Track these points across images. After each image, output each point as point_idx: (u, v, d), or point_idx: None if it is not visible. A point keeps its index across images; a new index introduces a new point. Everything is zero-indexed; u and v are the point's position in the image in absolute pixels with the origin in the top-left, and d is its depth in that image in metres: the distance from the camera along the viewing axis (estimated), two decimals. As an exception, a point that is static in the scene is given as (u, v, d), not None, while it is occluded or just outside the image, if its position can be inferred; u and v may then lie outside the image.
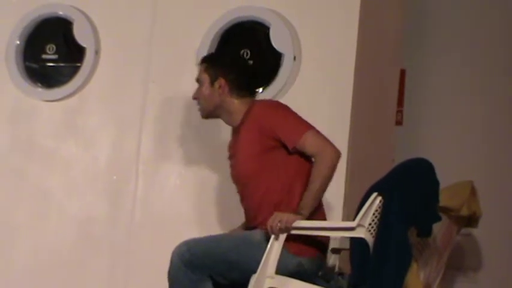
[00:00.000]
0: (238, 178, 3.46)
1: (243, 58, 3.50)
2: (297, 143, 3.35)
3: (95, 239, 4.34)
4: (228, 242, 3.37)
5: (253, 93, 3.51)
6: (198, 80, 3.52)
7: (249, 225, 3.49)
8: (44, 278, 4.35)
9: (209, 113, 3.50)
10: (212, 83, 3.46)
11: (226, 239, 3.41)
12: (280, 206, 3.35)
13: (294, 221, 3.27)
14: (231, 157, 3.51)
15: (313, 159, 3.38)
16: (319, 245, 3.40)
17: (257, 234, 3.37)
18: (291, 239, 3.31)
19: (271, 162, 3.37)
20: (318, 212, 3.40)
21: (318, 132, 3.39)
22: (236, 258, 3.32)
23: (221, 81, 3.45)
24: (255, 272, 3.29)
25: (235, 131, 3.49)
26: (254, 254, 3.30)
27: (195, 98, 3.52)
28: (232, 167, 3.49)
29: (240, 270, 3.32)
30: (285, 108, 3.45)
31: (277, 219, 3.27)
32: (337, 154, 3.36)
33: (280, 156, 3.38)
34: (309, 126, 3.39)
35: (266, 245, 3.30)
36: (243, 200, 3.48)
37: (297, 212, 3.31)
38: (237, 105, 3.44)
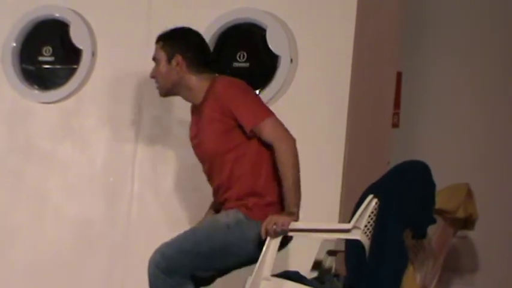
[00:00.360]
0: (205, 156, 3.43)
1: (199, 34, 3.45)
2: (254, 126, 3.32)
3: (92, 239, 4.34)
4: (197, 236, 3.34)
5: (211, 68, 3.46)
6: (154, 59, 3.49)
7: (218, 202, 3.45)
8: (42, 279, 4.36)
9: (167, 91, 3.47)
10: (169, 60, 3.43)
11: (195, 233, 3.37)
12: (248, 177, 3.32)
13: (289, 223, 3.27)
14: (194, 136, 3.47)
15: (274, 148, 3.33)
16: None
17: (221, 217, 3.35)
18: (254, 206, 3.30)
19: (236, 140, 3.35)
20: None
21: (277, 119, 3.36)
22: (209, 248, 3.30)
23: (178, 58, 3.42)
24: (232, 254, 3.29)
25: (197, 109, 3.45)
26: (224, 238, 3.30)
27: (152, 76, 3.49)
28: (197, 146, 3.45)
29: (217, 258, 3.32)
30: (247, 90, 3.41)
31: (272, 222, 3.26)
32: (295, 141, 3.35)
33: (244, 135, 3.36)
34: (268, 113, 3.37)
35: (232, 223, 3.29)
36: (211, 178, 3.44)
37: (288, 212, 3.30)
38: (195, 81, 3.41)
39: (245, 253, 3.33)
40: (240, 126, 3.35)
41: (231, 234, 3.30)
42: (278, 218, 3.27)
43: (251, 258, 3.33)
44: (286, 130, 3.36)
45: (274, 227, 3.25)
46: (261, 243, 3.29)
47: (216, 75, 3.47)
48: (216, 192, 3.46)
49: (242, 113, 3.33)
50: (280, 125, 3.36)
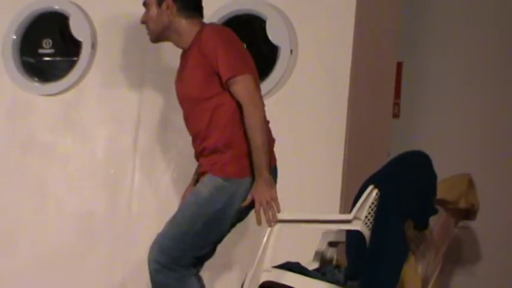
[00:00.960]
0: (185, 102, 3.41)
1: None
2: (231, 77, 3.30)
3: (93, 232, 4.34)
4: (187, 217, 3.32)
5: (201, 13, 3.45)
6: (144, 4, 3.49)
7: (196, 151, 3.42)
8: (44, 272, 4.36)
9: (158, 35, 3.46)
10: (159, 4, 3.42)
11: (184, 215, 3.34)
12: (226, 127, 3.31)
13: (274, 193, 3.25)
14: (178, 81, 3.46)
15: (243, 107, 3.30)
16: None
17: (201, 189, 3.33)
18: (230, 161, 3.29)
19: (217, 89, 3.33)
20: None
21: (253, 80, 3.32)
22: (203, 224, 3.29)
23: (168, 1, 3.41)
24: (224, 219, 3.28)
25: (185, 54, 3.44)
26: (212, 208, 3.29)
27: (143, 22, 3.48)
28: (179, 91, 3.44)
29: (212, 230, 3.31)
30: (232, 41, 3.39)
31: (263, 202, 3.25)
32: (263, 106, 3.33)
33: (223, 85, 3.34)
34: (247, 70, 3.34)
35: (214, 191, 3.28)
36: (190, 125, 3.42)
37: (264, 180, 3.26)
38: (185, 25, 3.40)
39: (235, 212, 3.33)
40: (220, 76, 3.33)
41: (216, 201, 3.29)
42: (261, 198, 3.24)
43: (242, 213, 3.34)
44: (258, 93, 3.33)
45: (268, 206, 3.24)
46: (246, 195, 3.28)
47: (205, 22, 3.45)
48: (194, 140, 3.43)
49: (221, 62, 3.30)
50: (254, 87, 3.32)
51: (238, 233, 3.53)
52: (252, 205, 3.33)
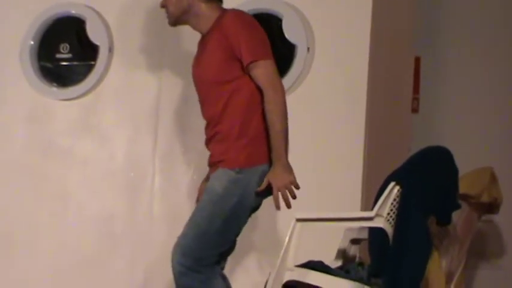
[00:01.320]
0: (203, 84, 3.39)
1: None
2: (253, 61, 3.28)
3: (114, 235, 4.35)
4: (205, 217, 3.28)
5: None
6: None
7: (208, 137, 3.39)
8: (65, 276, 4.37)
9: (177, 19, 3.45)
10: None
11: (202, 215, 3.31)
12: (241, 113, 3.28)
13: (293, 178, 3.22)
14: (196, 65, 3.45)
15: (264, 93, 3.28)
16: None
17: (215, 185, 3.30)
18: (241, 150, 3.26)
19: (236, 73, 3.31)
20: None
21: (274, 66, 3.32)
22: (222, 221, 3.27)
23: None
24: (241, 212, 3.25)
25: (203, 39, 3.43)
26: (229, 203, 3.26)
27: (162, 5, 3.47)
28: (197, 74, 3.42)
29: (232, 224, 3.29)
30: (254, 26, 3.37)
31: (282, 188, 3.22)
32: (284, 92, 3.32)
33: (242, 69, 3.32)
34: (269, 55, 3.33)
35: (228, 185, 3.25)
36: (205, 107, 3.39)
37: (283, 165, 3.23)
38: (204, 9, 3.40)
39: (252, 201, 3.31)
40: (241, 62, 3.32)
41: (231, 196, 3.27)
42: (281, 185, 3.21)
43: (259, 200, 3.32)
44: (279, 79, 3.33)
45: (288, 192, 3.21)
46: (261, 183, 3.25)
47: (224, 7, 3.44)
48: (207, 126, 3.40)
49: (244, 46, 3.29)
50: (275, 72, 3.32)
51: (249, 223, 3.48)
52: (269, 191, 3.28)
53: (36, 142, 4.52)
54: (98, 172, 4.41)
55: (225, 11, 3.42)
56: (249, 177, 3.28)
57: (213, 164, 3.39)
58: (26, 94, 4.54)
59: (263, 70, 3.29)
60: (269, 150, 3.29)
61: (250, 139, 3.31)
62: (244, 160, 3.29)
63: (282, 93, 3.31)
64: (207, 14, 3.40)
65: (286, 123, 3.29)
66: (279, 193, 3.24)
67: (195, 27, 3.46)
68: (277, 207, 3.25)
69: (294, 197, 3.25)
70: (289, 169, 3.26)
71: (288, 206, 3.25)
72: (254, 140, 3.31)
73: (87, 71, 4.46)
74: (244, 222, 3.34)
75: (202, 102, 3.42)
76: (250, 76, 3.31)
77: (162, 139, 4.34)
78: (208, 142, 3.42)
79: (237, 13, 3.42)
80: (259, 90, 3.32)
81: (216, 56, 3.34)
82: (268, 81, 3.29)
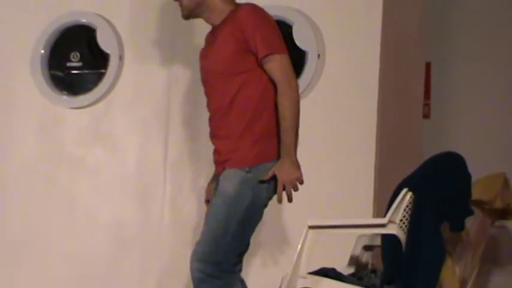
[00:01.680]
0: (210, 74, 3.35)
1: None
2: (268, 54, 3.26)
3: (125, 243, 4.35)
4: (220, 220, 3.26)
5: None
6: None
7: (212, 130, 3.37)
8: (76, 283, 4.37)
9: (190, 12, 3.43)
10: None
11: (215, 218, 3.28)
12: (249, 108, 3.25)
13: (300, 175, 3.20)
14: (205, 56, 3.42)
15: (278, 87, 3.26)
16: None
17: (225, 186, 3.27)
18: (249, 148, 3.22)
19: (248, 66, 3.29)
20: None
21: (289, 60, 3.30)
22: (237, 222, 3.24)
23: None
24: (255, 211, 3.23)
25: (214, 31, 3.41)
26: (242, 203, 3.24)
27: None
28: (206, 65, 3.39)
29: (248, 224, 3.27)
30: (269, 20, 3.36)
31: (288, 183, 3.20)
32: (298, 88, 3.30)
33: (255, 62, 3.29)
34: (284, 49, 3.31)
35: (239, 184, 3.22)
36: (212, 98, 3.36)
37: (290, 160, 3.21)
38: (218, 2, 3.38)
39: (264, 199, 3.29)
40: (252, 54, 3.29)
41: (244, 196, 3.25)
42: (287, 180, 3.20)
43: (270, 197, 3.30)
44: (293, 73, 3.30)
45: (292, 187, 3.20)
46: (270, 179, 3.22)
47: (238, 2, 3.42)
48: (212, 118, 3.37)
49: (260, 39, 3.27)
50: (290, 66, 3.30)
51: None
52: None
53: (47, 150, 4.53)
54: (109, 180, 4.41)
55: (239, 4, 3.40)
56: (258, 176, 3.26)
57: (220, 163, 3.36)
58: (37, 103, 4.55)
59: (278, 64, 3.27)
60: (279, 145, 3.27)
61: (259, 136, 3.28)
62: (253, 158, 3.27)
63: (296, 88, 3.28)
64: (221, 7, 3.39)
65: (298, 119, 3.26)
66: (283, 187, 3.22)
67: (207, 20, 3.44)
68: (279, 201, 3.24)
69: (296, 190, 3.23)
70: (297, 165, 3.24)
71: (290, 200, 3.24)
72: (263, 137, 3.28)
73: (97, 80, 4.46)
74: (259, 220, 3.32)
75: (210, 94, 3.38)
76: (263, 70, 3.29)
77: (173, 146, 4.34)
78: (212, 136, 3.38)
79: (253, 7, 3.40)
80: (272, 86, 3.29)
81: (229, 47, 3.31)
82: (283, 75, 3.27)
